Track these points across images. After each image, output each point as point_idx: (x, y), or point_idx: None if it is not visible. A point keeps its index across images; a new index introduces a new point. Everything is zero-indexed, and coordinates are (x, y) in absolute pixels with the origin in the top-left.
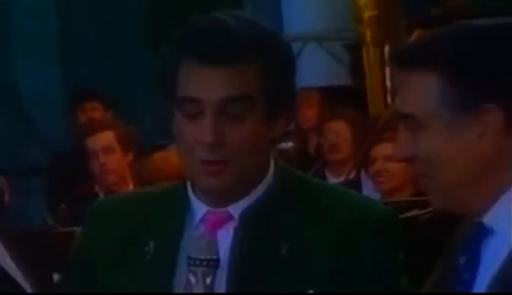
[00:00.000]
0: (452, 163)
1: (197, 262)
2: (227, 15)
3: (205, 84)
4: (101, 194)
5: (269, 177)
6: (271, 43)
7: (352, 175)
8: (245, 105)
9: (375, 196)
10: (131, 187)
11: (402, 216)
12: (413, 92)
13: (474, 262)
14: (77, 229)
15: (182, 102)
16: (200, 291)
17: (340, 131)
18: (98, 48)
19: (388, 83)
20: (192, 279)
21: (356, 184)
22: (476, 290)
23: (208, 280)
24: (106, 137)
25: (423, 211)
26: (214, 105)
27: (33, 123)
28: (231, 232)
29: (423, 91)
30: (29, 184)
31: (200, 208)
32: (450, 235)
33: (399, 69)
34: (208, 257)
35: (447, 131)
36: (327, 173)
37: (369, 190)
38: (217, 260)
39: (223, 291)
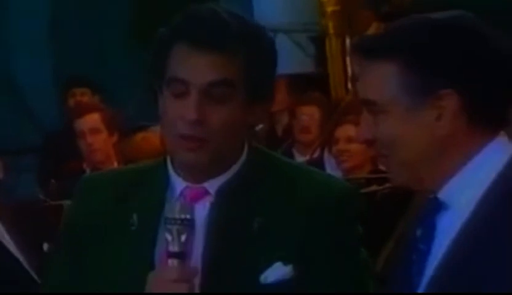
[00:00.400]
0: (411, 144)
1: (172, 221)
2: (220, 8)
3: (193, 67)
4: (88, 171)
5: (243, 157)
6: (256, 37)
7: (316, 154)
8: (228, 90)
9: (337, 173)
10: (115, 165)
11: (362, 191)
12: (375, 80)
13: (429, 234)
14: (66, 202)
15: (171, 82)
16: (176, 248)
17: (311, 114)
18: (87, 41)
19: (349, 71)
20: (169, 237)
21: (319, 163)
22: (430, 260)
23: (183, 238)
24: (93, 119)
25: (380, 187)
26: (199, 87)
27: (27, 106)
28: (207, 206)
29: (384, 79)
30: (21, 162)
31: (179, 183)
32: (404, 209)
33: (361, 58)
34: (183, 216)
35: (406, 115)
36: (294, 152)
37: (331, 168)
38: (191, 220)
39: (199, 251)
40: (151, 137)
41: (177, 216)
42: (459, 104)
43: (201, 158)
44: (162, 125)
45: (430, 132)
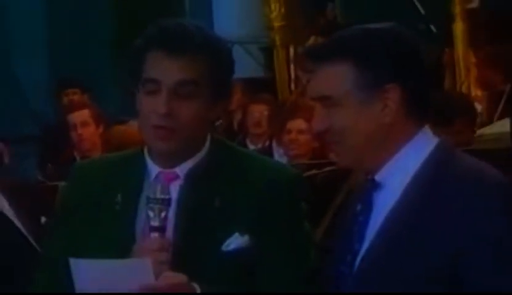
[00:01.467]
0: (360, 131)
1: (154, 201)
2: (187, 22)
3: (164, 69)
4: (78, 158)
5: (206, 146)
6: (216, 46)
7: (266, 144)
8: (193, 88)
9: (283, 160)
10: (101, 152)
11: (304, 174)
12: (331, 78)
13: (367, 209)
14: (61, 183)
15: (145, 82)
16: (157, 223)
17: (261, 111)
18: (77, 48)
19: (292, 76)
20: (151, 214)
21: (269, 151)
22: (368, 231)
23: (162, 214)
24: (83, 114)
25: (320, 171)
26: (169, 85)
27: (28, 102)
28: (177, 188)
29: (339, 77)
30: (22, 150)
31: (154, 168)
32: (338, 189)
33: (313, 62)
34: (163, 196)
35: (358, 107)
36: (248, 142)
37: (279, 155)
38: (169, 200)
39: (171, 226)
40: (129, 129)
41: (158, 196)
42: (401, 96)
43: (171, 146)
44: (139, 119)
45: (376, 121)
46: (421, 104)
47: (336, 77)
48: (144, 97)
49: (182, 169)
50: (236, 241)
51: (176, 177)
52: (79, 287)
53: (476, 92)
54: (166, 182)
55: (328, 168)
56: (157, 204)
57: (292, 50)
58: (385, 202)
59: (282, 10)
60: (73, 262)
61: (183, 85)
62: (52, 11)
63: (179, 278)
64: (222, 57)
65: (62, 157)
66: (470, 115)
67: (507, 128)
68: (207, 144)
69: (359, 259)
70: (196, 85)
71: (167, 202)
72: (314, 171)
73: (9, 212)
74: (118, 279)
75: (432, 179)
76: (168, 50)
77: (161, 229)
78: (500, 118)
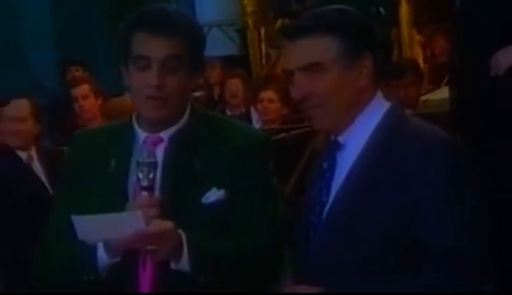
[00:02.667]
0: (341, 95)
1: (143, 164)
2: (170, 7)
3: (153, 47)
4: (80, 126)
5: (187, 114)
6: (194, 27)
7: (243, 111)
8: (177, 62)
9: (258, 124)
10: (100, 121)
11: (274, 137)
12: (316, 48)
13: (332, 167)
14: (66, 148)
15: (136, 59)
16: (146, 183)
17: (236, 84)
18: (79, 31)
19: (263, 53)
20: (140, 175)
21: (247, 116)
22: (333, 185)
23: (150, 175)
24: (84, 88)
25: (287, 134)
26: (158, 60)
27: (37, 78)
28: (162, 150)
29: (325, 46)
30: None
31: (141, 134)
32: (303, 150)
33: (292, 38)
34: (150, 160)
35: (340, 73)
36: (227, 111)
37: (256, 120)
38: (155, 163)
39: (158, 185)
40: (124, 101)
41: (146, 160)
42: (372, 63)
43: (163, 113)
44: (131, 92)
45: (354, 85)
46: (381, 72)
47: (324, 47)
48: (135, 73)
49: (166, 134)
50: (214, 195)
51: (161, 140)
52: (80, 238)
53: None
54: (152, 146)
55: (295, 132)
56: (146, 167)
57: (262, 31)
58: (347, 160)
59: None
60: (74, 218)
61: (169, 60)
62: (55, 2)
63: (167, 224)
64: (198, 35)
65: (67, 126)
66: (417, 71)
67: (447, 95)
68: (187, 112)
69: (326, 209)
70: (179, 60)
71: (153, 165)
72: (283, 135)
73: (38, 170)
74: (113, 230)
75: (385, 139)
76: (154, 30)
77: (150, 188)
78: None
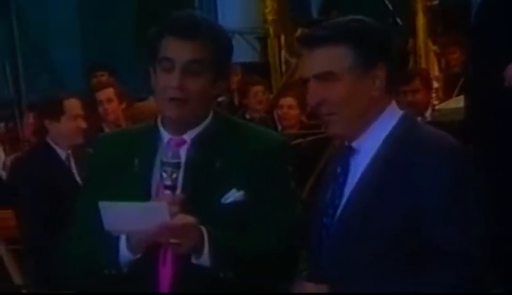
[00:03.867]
0: (353, 103)
1: (167, 164)
2: (196, 13)
3: (178, 50)
4: (105, 129)
5: (209, 118)
6: (219, 33)
7: (263, 115)
8: (200, 66)
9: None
10: (124, 124)
11: (292, 143)
12: (332, 57)
13: (345, 171)
14: (90, 150)
15: (162, 60)
16: (169, 182)
17: (262, 91)
18: (105, 36)
19: (283, 60)
20: (164, 175)
21: (272, 120)
22: (346, 189)
23: (174, 175)
24: (108, 92)
25: (304, 140)
26: (181, 63)
27: (62, 82)
28: (185, 152)
29: (343, 55)
30: None
31: (165, 135)
32: (320, 155)
33: (310, 46)
34: (174, 160)
35: (353, 82)
36: (247, 116)
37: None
38: (179, 163)
39: (180, 184)
40: (148, 105)
41: (170, 161)
42: (387, 74)
43: (182, 114)
44: (155, 93)
45: (367, 94)
46: (395, 82)
47: (339, 56)
48: (160, 74)
49: (189, 135)
50: (233, 195)
51: (184, 142)
52: (106, 227)
53: (434, 73)
54: (176, 147)
55: (311, 138)
56: (170, 167)
57: (282, 40)
58: (360, 165)
59: (275, 5)
60: (102, 205)
61: (192, 63)
62: (83, 5)
63: (190, 218)
64: (223, 42)
65: (91, 128)
66: (425, 78)
67: (461, 104)
68: (210, 116)
69: (339, 211)
70: (202, 64)
71: (177, 165)
72: (300, 140)
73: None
74: (138, 221)
75: (397, 145)
76: (180, 34)
77: (172, 188)
78: (458, 95)
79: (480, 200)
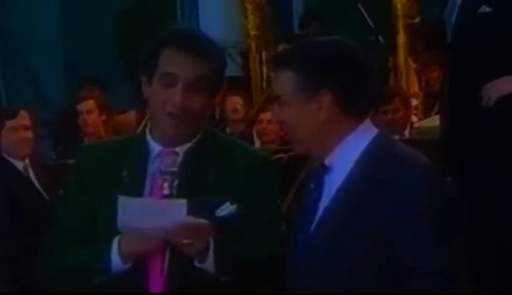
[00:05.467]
0: (301, 126)
1: (165, 173)
2: (192, 28)
3: (182, 65)
4: (85, 140)
5: (200, 133)
6: (219, 49)
7: (242, 130)
8: (203, 83)
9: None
10: (103, 136)
11: (273, 157)
12: (282, 81)
13: (319, 188)
14: (70, 161)
15: (163, 76)
16: (166, 191)
17: (237, 101)
18: (86, 47)
19: (264, 76)
20: (162, 183)
21: (249, 136)
22: (320, 205)
23: (173, 183)
24: (89, 104)
25: (285, 155)
26: (185, 79)
27: (45, 93)
28: (178, 164)
29: (286, 81)
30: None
31: (155, 147)
32: (300, 170)
33: (274, 67)
34: (172, 169)
35: (299, 106)
36: (227, 130)
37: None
38: (177, 172)
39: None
40: (125, 118)
41: (168, 170)
42: (332, 99)
43: (180, 131)
44: (150, 108)
45: (314, 118)
46: (357, 103)
47: (285, 80)
48: (160, 88)
49: (181, 149)
50: (227, 209)
51: (176, 154)
52: (120, 223)
53: (414, 90)
54: (167, 158)
55: (291, 153)
56: (168, 176)
57: (264, 55)
58: (334, 182)
59: (257, 20)
60: (121, 199)
61: (198, 80)
62: (65, 16)
63: (201, 219)
64: (222, 58)
65: (71, 139)
66: (404, 97)
67: (437, 122)
68: (200, 131)
69: (312, 227)
70: (205, 81)
71: (174, 174)
72: (280, 155)
73: (34, 179)
74: (155, 218)
75: (370, 163)
76: (184, 49)
77: (170, 196)
78: (437, 114)
79: (454, 218)
